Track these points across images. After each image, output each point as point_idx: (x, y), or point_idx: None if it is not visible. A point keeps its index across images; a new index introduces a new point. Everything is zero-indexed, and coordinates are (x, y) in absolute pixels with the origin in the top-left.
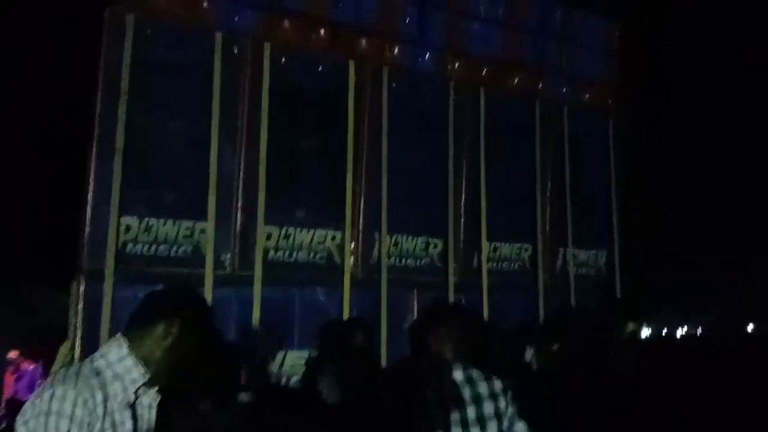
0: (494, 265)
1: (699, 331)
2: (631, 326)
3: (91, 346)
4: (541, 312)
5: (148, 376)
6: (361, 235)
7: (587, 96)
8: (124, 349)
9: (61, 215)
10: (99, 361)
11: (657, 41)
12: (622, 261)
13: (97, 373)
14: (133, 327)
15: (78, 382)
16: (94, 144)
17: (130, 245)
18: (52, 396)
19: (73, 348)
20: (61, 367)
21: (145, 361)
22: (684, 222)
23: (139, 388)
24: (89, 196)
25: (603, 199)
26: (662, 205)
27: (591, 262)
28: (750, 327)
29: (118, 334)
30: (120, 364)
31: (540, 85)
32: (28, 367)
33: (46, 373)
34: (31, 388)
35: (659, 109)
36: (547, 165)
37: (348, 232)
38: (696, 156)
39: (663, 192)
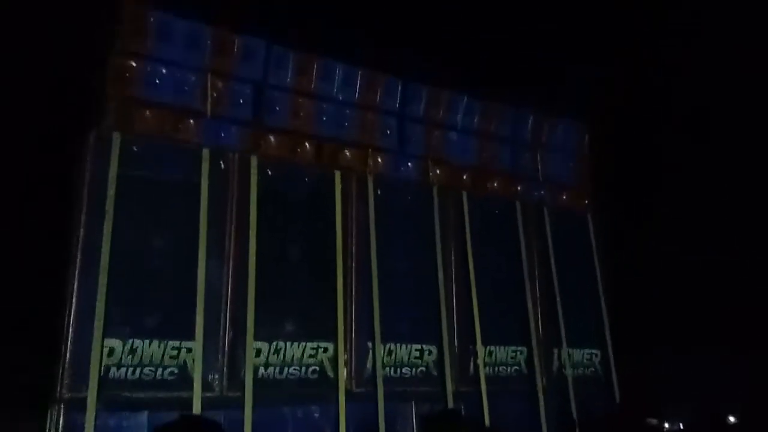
0: (491, 370)
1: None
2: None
3: None
4: (543, 417)
5: None
6: (353, 345)
7: (564, 196)
8: None
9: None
10: None
11: (627, 138)
12: (617, 358)
13: None
14: None
15: None
16: (77, 263)
17: (113, 369)
18: None
19: None
20: None
21: None
22: (678, 314)
23: None
24: (71, 318)
25: (592, 297)
26: (652, 297)
27: (586, 361)
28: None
29: None
30: None
31: (519, 188)
32: None
33: None
34: None
35: (637, 204)
36: (533, 266)
37: (341, 343)
38: (680, 243)
39: (652, 284)
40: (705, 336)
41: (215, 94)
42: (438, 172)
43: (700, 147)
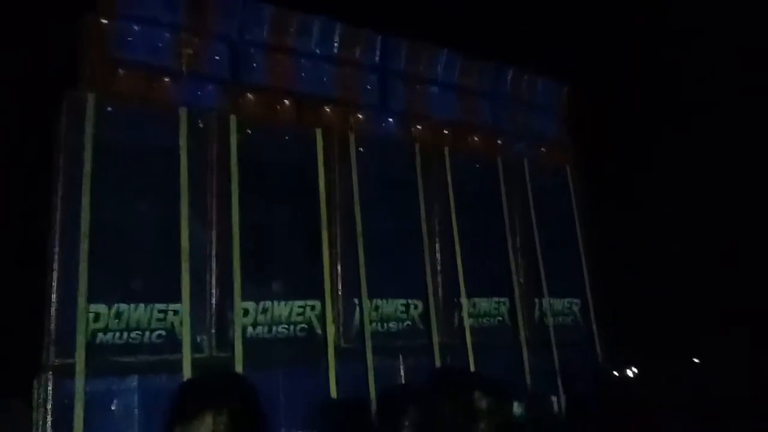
0: (475, 321)
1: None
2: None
3: None
4: (527, 366)
5: None
6: (340, 302)
7: (544, 151)
8: None
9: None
10: None
11: (606, 96)
12: (597, 307)
13: None
14: (176, 423)
15: None
16: (57, 229)
17: (100, 335)
18: None
19: None
20: None
21: None
22: (654, 265)
23: None
24: (53, 285)
25: (571, 248)
26: (631, 248)
27: (567, 310)
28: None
29: None
30: None
31: (499, 143)
32: None
33: None
34: None
35: (616, 158)
36: (515, 219)
37: (328, 300)
38: (656, 195)
39: (631, 236)
40: (680, 286)
41: (191, 52)
42: (419, 128)
43: (682, 105)
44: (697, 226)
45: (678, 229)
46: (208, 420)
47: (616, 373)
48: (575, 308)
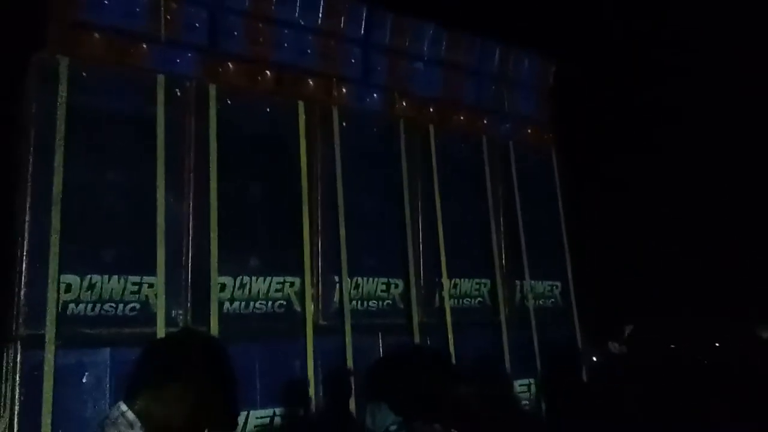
0: (456, 302)
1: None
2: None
3: (30, 420)
4: (506, 347)
5: None
6: (320, 279)
7: (529, 131)
8: (136, 428)
9: None
10: None
11: (594, 77)
12: (577, 290)
13: None
14: (137, 395)
15: None
16: (28, 199)
17: (71, 306)
18: None
19: (11, 427)
20: None
21: None
22: (635, 249)
23: None
24: (23, 253)
25: (554, 231)
26: (613, 233)
27: (548, 292)
28: None
29: (122, 407)
30: None
31: (484, 122)
32: None
33: None
34: None
35: (601, 140)
36: (498, 200)
37: (308, 277)
38: (640, 177)
39: (613, 219)
40: (664, 271)
41: (169, 17)
42: (404, 104)
43: (670, 88)
44: (682, 210)
45: (662, 214)
46: (172, 389)
47: (594, 357)
48: (556, 291)
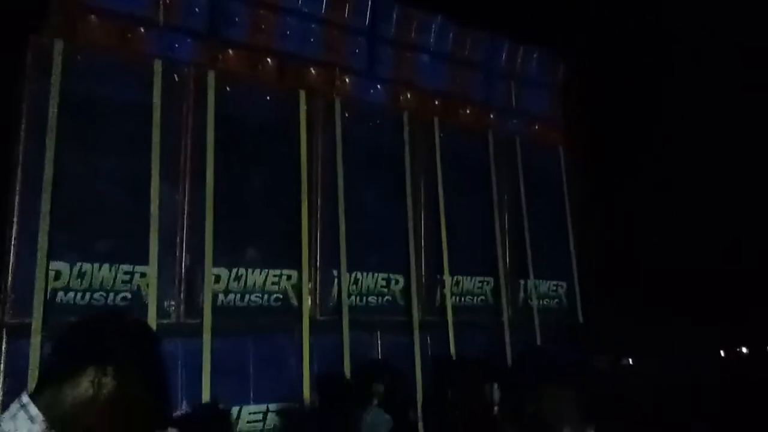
0: (457, 300)
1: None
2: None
3: None
4: (508, 348)
5: None
6: (318, 273)
7: (536, 128)
8: (39, 423)
9: None
10: None
11: (603, 74)
12: (583, 290)
13: None
14: (44, 385)
15: None
16: (18, 182)
17: (60, 294)
18: None
19: None
20: None
21: None
22: (641, 247)
23: None
24: (12, 238)
25: (560, 230)
26: (620, 233)
27: (552, 292)
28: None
29: (24, 398)
30: None
31: (491, 117)
32: None
33: None
34: None
35: (610, 138)
36: (503, 196)
37: (305, 271)
38: (650, 177)
39: (619, 220)
40: (673, 274)
41: (168, 1)
42: (408, 96)
43: (682, 85)
44: (692, 212)
45: (673, 215)
46: (85, 380)
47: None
48: (561, 291)
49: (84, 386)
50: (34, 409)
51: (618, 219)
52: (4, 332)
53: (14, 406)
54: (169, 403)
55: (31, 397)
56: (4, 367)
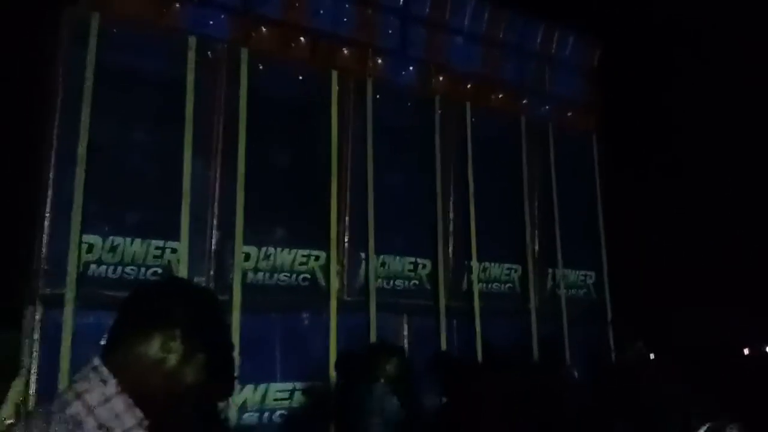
0: (484, 286)
1: None
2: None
3: (48, 382)
4: (534, 336)
5: (146, 423)
6: (346, 254)
7: (570, 114)
8: (111, 385)
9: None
10: (75, 405)
11: (639, 60)
12: (612, 281)
13: (76, 423)
14: (114, 349)
15: None
16: (53, 155)
17: (92, 267)
18: None
19: (27, 386)
20: (17, 412)
21: (138, 398)
22: (676, 240)
23: None
24: (46, 211)
25: (591, 219)
26: (651, 224)
27: (580, 282)
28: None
29: (96, 361)
30: (105, 407)
31: (524, 102)
32: None
33: None
34: None
35: (644, 127)
36: (534, 183)
37: (334, 252)
38: (687, 168)
39: (651, 210)
40: (708, 267)
41: None
42: (440, 79)
43: (722, 70)
44: (731, 203)
45: (708, 206)
46: (156, 338)
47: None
48: (589, 281)
49: (154, 348)
50: (105, 371)
51: (652, 209)
52: (39, 302)
53: (86, 369)
54: (232, 364)
55: (102, 359)
56: (39, 336)
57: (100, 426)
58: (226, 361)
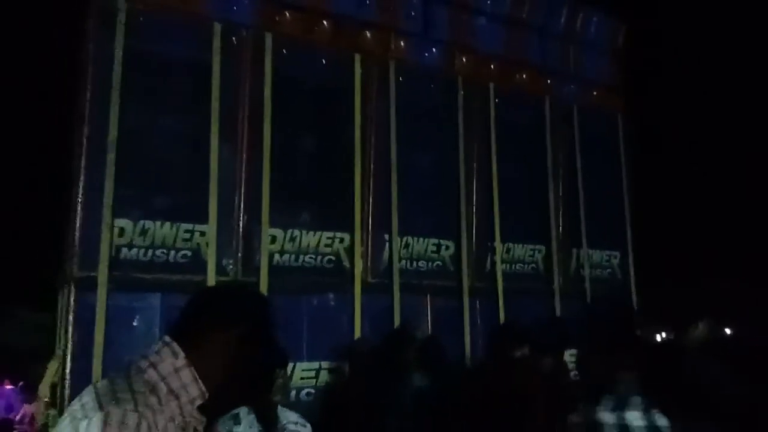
0: (508, 267)
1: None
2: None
3: (82, 361)
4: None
5: (207, 395)
6: (370, 236)
7: (595, 94)
8: (181, 359)
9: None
10: (150, 372)
11: (664, 40)
12: (636, 261)
13: (152, 388)
14: (184, 331)
15: (138, 404)
16: (84, 141)
17: (124, 250)
18: (105, 421)
19: (62, 366)
20: (52, 392)
21: (202, 374)
22: (699, 221)
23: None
24: (79, 196)
25: (615, 199)
26: (676, 204)
27: (605, 263)
28: None
29: (167, 339)
30: (176, 377)
31: (548, 82)
32: (4, 388)
33: (26, 395)
34: (8, 410)
35: (669, 108)
36: (558, 163)
37: (358, 234)
38: (713, 150)
39: (676, 190)
40: (733, 249)
41: None
42: (464, 60)
43: (743, 46)
44: (756, 181)
45: (734, 185)
46: (225, 335)
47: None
48: (614, 261)
49: (225, 338)
50: (176, 346)
51: (678, 189)
52: (73, 285)
53: (158, 344)
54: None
55: (172, 336)
56: (74, 318)
57: (170, 391)
58: (280, 359)
